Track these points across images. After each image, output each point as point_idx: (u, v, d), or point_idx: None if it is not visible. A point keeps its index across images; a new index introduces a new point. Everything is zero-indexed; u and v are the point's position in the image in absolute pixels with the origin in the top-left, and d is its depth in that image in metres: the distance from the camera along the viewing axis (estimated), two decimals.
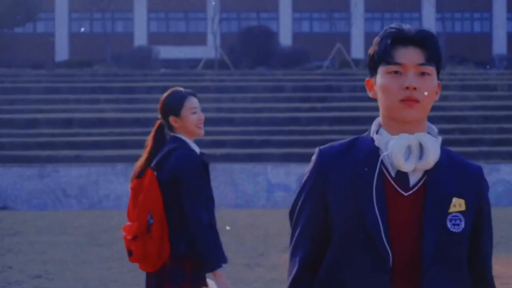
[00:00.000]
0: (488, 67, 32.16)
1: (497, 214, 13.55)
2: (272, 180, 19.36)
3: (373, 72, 2.19)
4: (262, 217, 15.05)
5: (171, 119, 3.84)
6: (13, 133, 22.24)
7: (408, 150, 2.11)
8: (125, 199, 19.00)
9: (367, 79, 2.22)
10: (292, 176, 19.22)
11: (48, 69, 30.00)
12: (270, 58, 31.67)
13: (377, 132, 2.17)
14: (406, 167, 2.09)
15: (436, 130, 2.19)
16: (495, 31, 40.91)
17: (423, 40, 2.13)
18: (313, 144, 21.66)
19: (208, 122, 18.88)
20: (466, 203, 2.13)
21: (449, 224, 2.11)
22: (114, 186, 19.03)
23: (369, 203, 2.10)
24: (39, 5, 35.44)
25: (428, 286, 2.08)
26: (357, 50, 39.89)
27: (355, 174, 2.13)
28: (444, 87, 27.32)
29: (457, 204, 2.12)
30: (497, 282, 7.30)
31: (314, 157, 2.22)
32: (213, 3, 35.71)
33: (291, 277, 2.20)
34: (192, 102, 3.88)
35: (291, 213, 2.24)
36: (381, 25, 41.32)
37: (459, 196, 2.13)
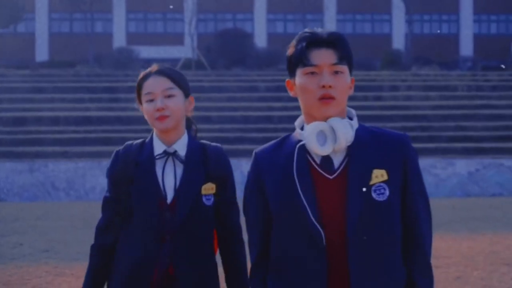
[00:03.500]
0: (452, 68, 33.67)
1: (450, 203, 15.54)
2: (246, 174, 20.73)
3: (292, 73, 2.34)
4: None
5: (141, 108, 2.91)
6: (2, 130, 23.47)
7: (323, 135, 2.26)
8: None
9: (287, 79, 2.38)
10: None
11: (33, 69, 31.14)
12: (245, 59, 32.96)
13: (302, 129, 2.35)
14: (321, 151, 2.26)
15: (353, 112, 2.36)
16: (462, 32, 42.28)
17: (334, 42, 2.28)
18: None
19: None
20: (388, 172, 2.25)
21: (374, 195, 2.22)
22: (99, 180, 20.37)
23: (295, 190, 2.25)
24: (24, 6, 36.37)
25: (353, 255, 2.21)
26: None
27: (284, 166, 2.30)
28: (408, 88, 28.90)
29: (379, 175, 2.24)
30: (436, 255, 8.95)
31: (251, 160, 2.44)
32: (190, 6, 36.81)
33: (251, 264, 2.46)
34: (148, 85, 2.83)
35: (243, 210, 2.50)
36: (353, 26, 42.65)
37: (380, 167, 2.25)
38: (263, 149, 2.40)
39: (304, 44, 2.28)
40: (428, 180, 20.14)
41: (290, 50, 2.32)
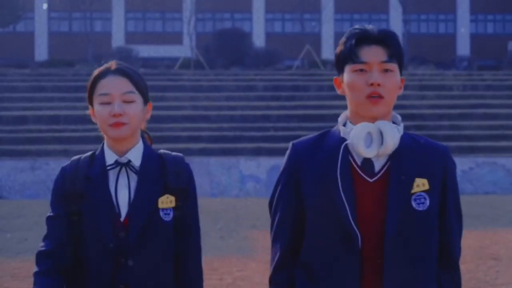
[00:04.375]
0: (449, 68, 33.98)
1: None
2: (244, 172, 20.92)
3: (340, 70, 2.28)
4: (234, 203, 16.81)
5: (90, 110, 2.57)
6: (3, 129, 23.79)
7: (369, 137, 2.21)
8: None
9: (335, 77, 2.32)
10: (262, 168, 20.98)
11: (33, 68, 31.45)
12: (243, 59, 33.29)
13: (344, 125, 2.28)
14: (367, 153, 2.21)
15: (399, 118, 2.31)
16: (458, 32, 42.65)
17: (385, 39, 2.23)
18: (282, 139, 23.44)
19: (185, 119, 21.29)
20: (430, 182, 2.22)
21: (414, 204, 2.20)
22: None
23: (336, 189, 2.19)
24: (24, 6, 36.62)
25: (389, 262, 2.17)
26: (327, 50, 41.54)
27: (324, 164, 2.23)
28: (404, 87, 29.11)
29: (420, 184, 2.21)
30: None
31: (288, 151, 2.31)
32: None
33: (273, 264, 2.31)
34: (105, 85, 2.47)
35: (270, 203, 2.34)
36: (350, 26, 42.64)
37: (422, 176, 2.22)
38: (303, 142, 2.31)
39: (353, 41, 2.23)
40: None
41: (339, 48, 2.28)
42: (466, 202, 17.10)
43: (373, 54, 2.21)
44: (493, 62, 37.52)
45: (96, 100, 2.48)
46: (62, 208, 2.47)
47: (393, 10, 41.55)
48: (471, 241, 10.07)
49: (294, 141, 2.31)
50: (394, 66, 2.23)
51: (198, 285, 2.49)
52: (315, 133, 2.32)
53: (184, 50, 37.08)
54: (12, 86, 27.73)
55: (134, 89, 2.47)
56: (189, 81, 28.61)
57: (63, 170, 2.52)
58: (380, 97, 2.20)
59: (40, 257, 2.48)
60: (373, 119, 2.23)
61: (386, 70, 2.22)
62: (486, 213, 14.17)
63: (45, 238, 2.50)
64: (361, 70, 2.22)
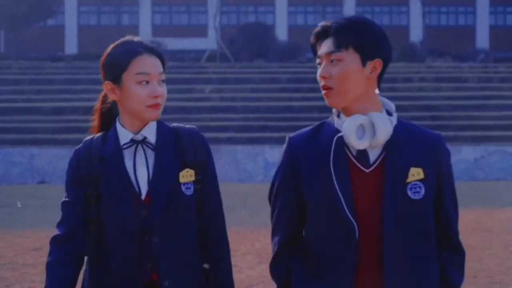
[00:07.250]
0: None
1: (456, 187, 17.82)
2: (269, 159, 22.16)
3: None
4: (260, 188, 18.08)
5: (107, 86, 2.42)
6: (43, 119, 25.32)
7: (362, 129, 2.20)
8: None
9: None
10: None
11: (67, 62, 32.88)
12: (267, 52, 34.43)
13: (338, 115, 2.26)
14: (359, 145, 2.19)
15: (393, 107, 2.28)
16: (478, 24, 43.25)
17: (333, 30, 2.21)
18: None
19: (213, 110, 23.13)
20: (424, 171, 2.21)
21: (409, 193, 2.20)
22: None
23: (331, 181, 2.19)
24: (57, 1, 37.82)
25: (389, 251, 2.19)
26: None
27: (320, 156, 2.23)
28: (421, 79, 30.24)
29: (415, 173, 2.20)
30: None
31: (285, 145, 2.31)
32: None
33: (272, 255, 2.35)
34: (143, 64, 2.39)
35: (269, 198, 2.36)
36: (371, 18, 43.37)
37: (416, 166, 2.21)
38: (298, 135, 2.31)
39: (312, 37, 2.28)
40: None
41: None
42: (477, 188, 18.44)
43: (322, 48, 2.25)
44: None
45: (131, 78, 2.38)
46: (77, 193, 2.40)
47: (413, 3, 42.22)
48: (471, 216, 11.38)
49: (291, 135, 2.32)
50: (341, 55, 2.21)
51: (225, 257, 2.49)
52: (311, 125, 2.33)
53: (209, 43, 38.10)
54: (49, 79, 29.26)
55: (162, 70, 2.43)
56: (216, 73, 29.85)
57: (77, 152, 2.45)
58: (329, 88, 2.22)
59: (53, 244, 2.43)
60: (345, 110, 2.24)
61: (332, 61, 2.22)
62: (492, 196, 15.41)
63: (59, 224, 2.44)
64: (319, 64, 2.25)
